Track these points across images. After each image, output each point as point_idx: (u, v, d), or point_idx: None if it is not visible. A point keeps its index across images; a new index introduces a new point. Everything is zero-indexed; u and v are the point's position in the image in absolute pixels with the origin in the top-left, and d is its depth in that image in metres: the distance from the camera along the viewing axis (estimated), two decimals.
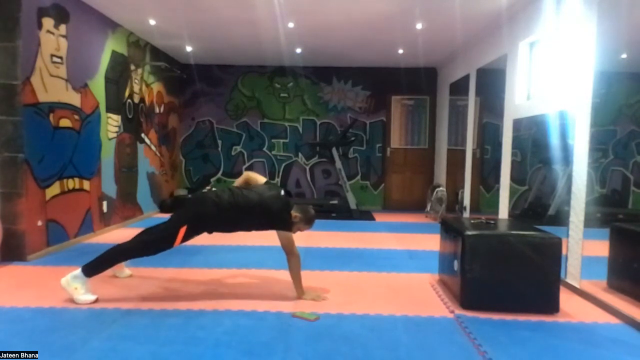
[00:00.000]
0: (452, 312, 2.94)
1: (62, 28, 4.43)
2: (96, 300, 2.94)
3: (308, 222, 3.25)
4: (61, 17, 4.40)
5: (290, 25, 5.43)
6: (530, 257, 2.90)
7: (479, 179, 6.41)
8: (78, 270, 2.97)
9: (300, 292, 3.14)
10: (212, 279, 3.59)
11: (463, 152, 6.24)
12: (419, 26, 5.37)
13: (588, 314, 2.98)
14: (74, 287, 2.93)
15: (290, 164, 8.07)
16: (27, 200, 3.97)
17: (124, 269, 3.55)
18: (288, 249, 3.12)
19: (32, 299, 3.00)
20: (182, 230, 3.04)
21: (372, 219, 6.99)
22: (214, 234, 3.32)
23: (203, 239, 3.50)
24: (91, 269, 3.00)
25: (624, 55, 4.26)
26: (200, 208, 3.12)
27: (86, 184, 4.90)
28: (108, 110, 5.36)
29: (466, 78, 6.19)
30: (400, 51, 6.69)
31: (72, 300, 2.93)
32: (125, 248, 3.12)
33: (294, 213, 3.18)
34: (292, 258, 3.13)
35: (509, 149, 4.75)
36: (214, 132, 8.02)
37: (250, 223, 3.19)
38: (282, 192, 3.24)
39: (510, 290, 2.93)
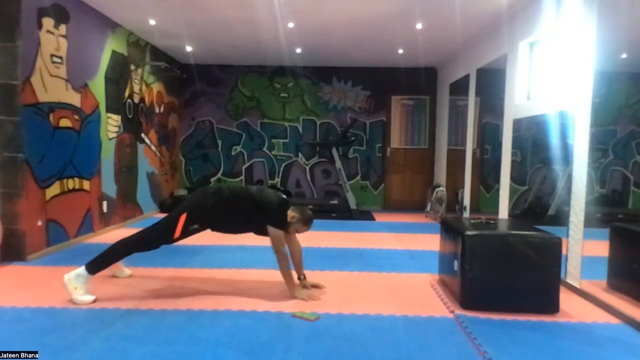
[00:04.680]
0: (452, 312, 2.94)
1: (62, 28, 4.43)
2: (94, 301, 2.94)
3: (306, 223, 3.25)
4: (61, 17, 4.40)
5: (290, 25, 5.43)
6: (530, 257, 2.90)
7: (479, 179, 6.41)
8: (82, 268, 2.98)
9: (291, 290, 3.14)
10: (212, 279, 3.59)
11: (463, 152, 6.24)
12: (419, 26, 5.37)
13: (588, 314, 2.98)
14: (74, 286, 2.93)
15: (290, 164, 8.07)
16: (27, 200, 3.97)
17: (124, 269, 3.55)
18: (275, 246, 3.13)
19: (32, 299, 3.00)
20: (182, 218, 3.05)
21: (372, 219, 6.99)
22: (214, 233, 3.32)
23: (203, 239, 3.49)
24: (95, 266, 3.01)
25: (624, 55, 4.26)
26: (201, 198, 3.19)
27: (86, 184, 4.90)
28: (108, 110, 5.36)
29: (466, 78, 6.19)
30: (400, 51, 6.69)
31: (71, 300, 2.93)
32: (127, 242, 3.14)
33: (292, 213, 3.18)
34: (279, 256, 3.14)
35: (509, 149, 4.75)
36: (214, 132, 8.02)
37: (247, 219, 3.19)
38: (284, 196, 3.28)
39: (510, 290, 2.93)
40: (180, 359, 2.23)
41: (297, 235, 3.38)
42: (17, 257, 3.94)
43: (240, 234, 3.41)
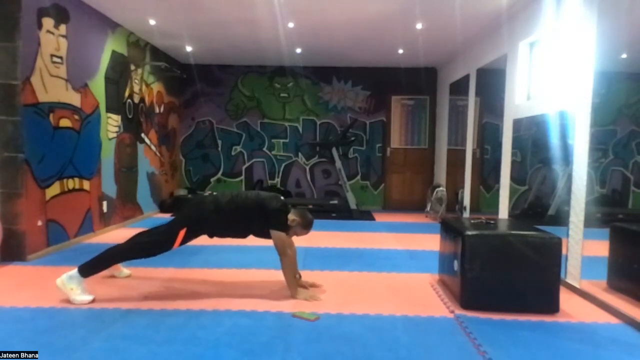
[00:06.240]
0: (452, 312, 2.94)
1: (62, 28, 4.43)
2: (93, 301, 2.94)
3: (306, 227, 3.25)
4: (61, 17, 4.40)
5: (290, 25, 5.43)
6: (530, 257, 2.90)
7: (479, 179, 6.42)
8: (74, 271, 2.96)
9: (293, 292, 3.13)
10: (212, 279, 3.59)
11: (463, 152, 6.24)
12: (419, 26, 5.37)
13: (588, 314, 2.98)
14: (70, 287, 2.92)
15: (290, 164, 8.07)
16: (27, 200, 3.97)
17: (123, 269, 3.54)
18: (280, 249, 3.12)
19: (32, 299, 3.00)
20: (182, 233, 3.06)
21: (372, 219, 6.99)
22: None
23: (203, 239, 3.49)
24: (88, 270, 2.99)
25: (624, 55, 4.26)
26: (200, 211, 3.16)
27: (86, 184, 4.90)
28: (108, 110, 5.36)
29: (466, 78, 6.19)
30: (400, 51, 6.69)
31: (69, 301, 2.93)
32: (123, 249, 3.12)
33: (292, 216, 3.18)
34: (284, 259, 3.12)
35: (509, 149, 4.75)
36: (214, 132, 8.02)
37: (249, 225, 3.20)
38: (282, 198, 3.26)
39: (510, 290, 2.93)
40: (180, 359, 2.23)
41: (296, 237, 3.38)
42: (17, 257, 3.93)
43: (240, 238, 3.42)
